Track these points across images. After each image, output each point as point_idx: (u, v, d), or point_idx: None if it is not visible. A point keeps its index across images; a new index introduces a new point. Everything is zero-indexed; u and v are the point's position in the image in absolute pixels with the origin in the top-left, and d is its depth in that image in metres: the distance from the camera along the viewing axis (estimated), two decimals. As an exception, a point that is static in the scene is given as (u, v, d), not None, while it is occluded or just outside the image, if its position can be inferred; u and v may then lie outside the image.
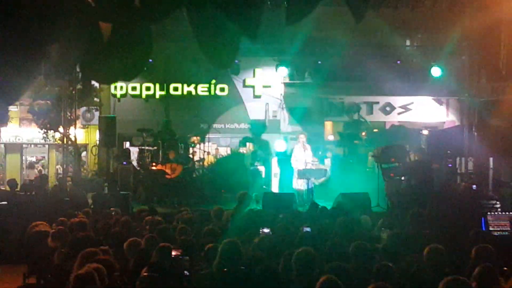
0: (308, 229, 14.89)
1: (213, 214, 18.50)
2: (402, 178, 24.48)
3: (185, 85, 33.15)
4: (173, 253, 12.34)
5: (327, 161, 28.37)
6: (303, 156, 27.14)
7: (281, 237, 14.80)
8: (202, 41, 3.07)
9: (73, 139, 31.50)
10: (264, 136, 31.10)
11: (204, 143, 30.85)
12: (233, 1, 3.08)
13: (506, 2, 23.51)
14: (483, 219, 18.91)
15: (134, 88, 33.15)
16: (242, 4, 3.13)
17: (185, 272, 11.22)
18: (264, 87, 33.73)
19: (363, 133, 29.33)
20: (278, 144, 28.97)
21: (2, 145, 34.87)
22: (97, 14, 3.18)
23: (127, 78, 3.72)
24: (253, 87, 33.89)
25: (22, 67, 3.35)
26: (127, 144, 30.72)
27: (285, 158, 28.23)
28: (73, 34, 3.28)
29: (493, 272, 9.48)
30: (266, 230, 15.01)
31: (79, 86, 30.14)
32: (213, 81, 32.90)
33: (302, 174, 26.93)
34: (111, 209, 20.39)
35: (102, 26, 3.28)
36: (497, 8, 24.06)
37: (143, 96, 33.31)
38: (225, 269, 11.30)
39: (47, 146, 35.12)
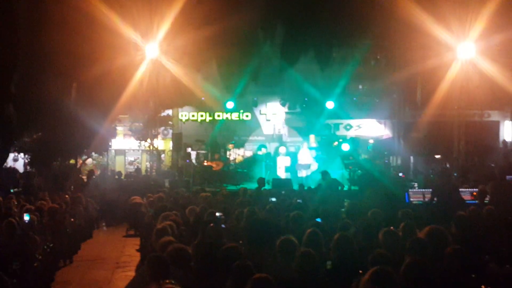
0: (299, 200, 14.94)
1: (241, 191, 18.56)
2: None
3: (224, 113, 33.28)
4: (217, 214, 12.42)
5: (312, 160, 28.39)
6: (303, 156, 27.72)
7: (282, 204, 14.88)
8: (226, 85, 3.17)
9: (156, 146, 31.67)
10: (273, 144, 31.51)
11: (236, 148, 31.16)
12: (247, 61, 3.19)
13: (421, 61, 23.58)
14: (406, 194, 18.95)
15: (193, 115, 33.30)
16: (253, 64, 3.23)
17: (222, 225, 11.25)
18: (273, 114, 33.97)
19: (335, 143, 29.34)
20: (281, 149, 29.15)
21: (113, 150, 34.91)
22: (162, 65, 3.28)
23: (182, 106, 3.83)
24: (265, 114, 34.12)
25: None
26: (189, 149, 30.79)
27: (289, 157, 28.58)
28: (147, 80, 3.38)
29: (412, 226, 9.44)
30: (273, 199, 15.11)
31: (159, 114, 30.56)
32: (241, 111, 33.08)
33: (300, 167, 27.31)
34: (179, 189, 20.47)
35: (165, 74, 3.39)
36: (415, 64, 24.12)
37: (199, 120, 33.41)
38: (245, 225, 11.40)
39: (140, 151, 35.15)
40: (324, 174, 21.21)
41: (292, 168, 28.04)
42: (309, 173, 27.45)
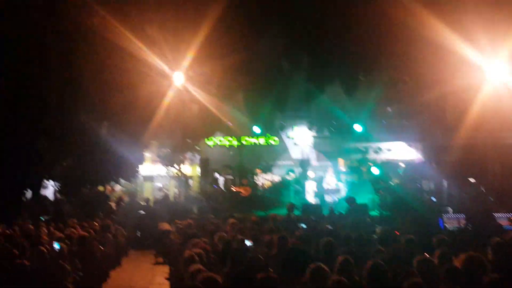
0: (329, 226, 14.84)
1: (270, 218, 18.47)
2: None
3: (251, 138, 33.34)
4: (246, 242, 12.34)
5: (341, 185, 28.27)
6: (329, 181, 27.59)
7: (313, 231, 14.78)
8: (252, 113, 3.13)
9: (184, 172, 31.76)
10: (301, 169, 31.37)
11: (264, 173, 31.16)
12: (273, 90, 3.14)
13: (450, 81, 23.38)
14: (440, 219, 18.73)
15: (220, 141, 33.38)
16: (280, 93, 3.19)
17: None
18: (300, 138, 33.95)
19: (364, 167, 29.22)
20: (310, 174, 29.06)
21: (141, 176, 35.03)
22: (189, 98, 3.25)
23: (208, 136, 3.81)
24: (293, 138, 34.08)
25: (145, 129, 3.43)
26: (216, 175, 30.82)
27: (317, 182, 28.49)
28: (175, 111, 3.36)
29: (448, 253, 9.29)
30: (303, 226, 14.98)
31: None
32: (268, 135, 33.14)
33: (328, 192, 27.22)
34: (208, 215, 20.44)
35: (193, 106, 3.37)
36: (444, 85, 23.93)
37: (226, 145, 33.49)
38: (276, 252, 11.32)
39: (168, 176, 35.24)
40: (350, 201, 21.11)
41: (321, 193, 27.94)
42: (336, 198, 27.33)
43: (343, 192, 27.34)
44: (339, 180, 28.52)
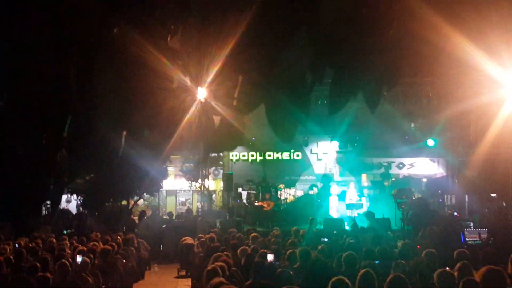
0: (352, 240, 14.83)
1: (293, 231, 18.50)
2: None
3: (275, 153, 33.49)
4: (268, 255, 12.39)
5: (364, 200, 28.23)
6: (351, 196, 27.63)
7: (335, 245, 14.80)
8: (275, 128, 3.23)
9: (207, 187, 31.94)
10: (324, 184, 31.33)
11: (287, 188, 31.26)
12: (296, 104, 3.24)
13: (473, 97, 23.25)
14: (462, 233, 18.61)
15: (244, 155, 33.56)
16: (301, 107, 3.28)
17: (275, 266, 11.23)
18: (324, 153, 34.00)
19: (385, 182, 29.21)
20: (333, 189, 29.09)
21: (164, 191, 35.24)
22: (209, 110, 3.36)
23: (230, 150, 3.92)
24: (316, 153, 34.17)
25: (165, 142, 3.54)
26: (240, 189, 30.92)
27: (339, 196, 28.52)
28: (196, 124, 3.46)
29: (468, 267, 9.30)
30: (325, 240, 14.98)
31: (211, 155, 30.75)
32: (292, 150, 33.29)
33: (351, 206, 27.18)
34: (231, 229, 20.48)
35: (214, 118, 3.46)
36: (467, 100, 23.82)
37: (249, 160, 33.63)
38: (299, 266, 11.35)
39: (191, 191, 35.42)
40: (369, 215, 21.15)
41: (343, 208, 27.96)
42: (359, 212, 27.30)
43: (366, 206, 27.29)
44: (362, 195, 28.49)
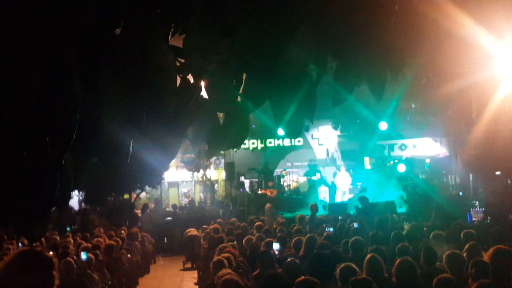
0: (356, 224, 14.83)
1: (297, 219, 18.52)
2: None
3: (276, 140, 33.44)
4: (274, 244, 12.40)
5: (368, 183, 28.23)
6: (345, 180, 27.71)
7: (340, 230, 14.83)
8: (281, 124, 3.20)
9: (209, 177, 31.95)
10: (326, 168, 31.30)
11: (290, 175, 31.30)
12: (298, 101, 3.20)
13: (473, 73, 23.18)
14: (468, 213, 18.64)
15: (244, 144, 33.40)
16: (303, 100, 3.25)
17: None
18: (325, 138, 33.98)
19: (389, 163, 29.15)
20: (335, 173, 29.15)
21: (166, 182, 35.28)
22: (214, 108, 3.31)
23: (235, 147, 3.89)
24: (318, 139, 34.17)
25: (173, 141, 3.49)
26: (242, 178, 30.93)
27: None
28: (200, 122, 3.42)
29: (477, 247, 9.31)
30: (331, 230, 14.93)
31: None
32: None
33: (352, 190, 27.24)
34: (233, 219, 20.50)
35: (219, 115, 3.42)
36: (467, 77, 23.74)
37: (251, 148, 33.57)
38: (305, 253, 11.37)
39: (193, 182, 35.47)
40: (362, 200, 21.21)
41: (347, 192, 27.99)
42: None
43: (370, 190, 27.29)
44: (365, 178, 28.48)
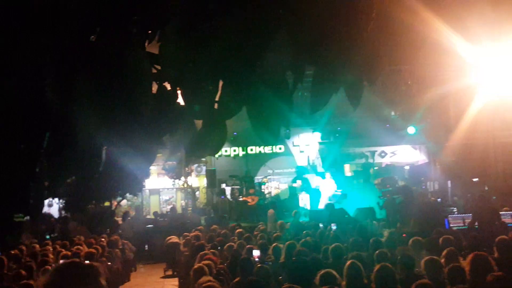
0: (334, 226, 14.87)
1: (279, 225, 18.53)
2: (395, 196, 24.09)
3: (257, 147, 33.44)
4: (254, 251, 12.40)
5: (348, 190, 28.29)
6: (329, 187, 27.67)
7: (321, 236, 14.86)
8: (258, 131, 3.19)
9: (190, 184, 31.87)
10: (307, 175, 31.33)
11: (270, 182, 31.32)
12: (275, 104, 3.19)
13: (451, 81, 23.37)
14: (446, 220, 18.71)
15: (226, 151, 33.42)
16: (283, 102, 3.24)
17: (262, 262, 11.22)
18: (306, 145, 34.01)
19: (371, 170, 29.24)
20: (316, 180, 29.17)
21: (147, 190, 35.15)
22: (190, 115, 3.30)
23: (213, 154, 3.89)
24: (298, 146, 34.19)
25: (151, 147, 3.48)
26: (223, 185, 30.89)
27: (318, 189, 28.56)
28: (178, 129, 3.41)
29: (455, 253, 9.36)
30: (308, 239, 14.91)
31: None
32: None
33: (332, 197, 27.21)
34: (214, 226, 20.49)
35: (196, 124, 3.41)
36: (446, 85, 23.91)
37: (232, 155, 33.55)
38: (285, 260, 11.36)
39: (175, 189, 35.37)
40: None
41: (327, 199, 28.00)
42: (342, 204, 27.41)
43: (350, 197, 27.34)
44: (345, 185, 28.53)
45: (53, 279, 3.45)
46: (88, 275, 3.56)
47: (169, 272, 21.05)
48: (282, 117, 3.29)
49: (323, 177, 29.36)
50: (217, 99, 3.27)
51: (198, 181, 35.07)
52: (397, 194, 24.24)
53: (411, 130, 29.68)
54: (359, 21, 3.10)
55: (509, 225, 16.69)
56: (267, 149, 33.69)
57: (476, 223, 16.46)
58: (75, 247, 16.47)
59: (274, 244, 12.79)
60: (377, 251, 10.48)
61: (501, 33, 21.06)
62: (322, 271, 8.11)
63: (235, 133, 30.37)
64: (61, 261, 13.21)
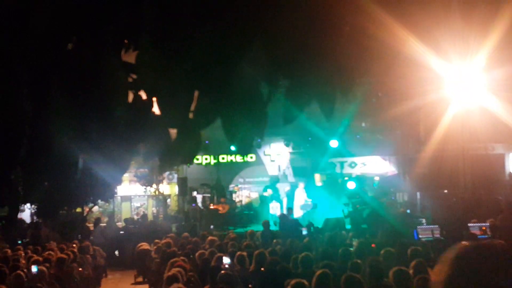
0: (304, 231, 14.87)
1: (248, 234, 18.52)
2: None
3: (228, 156, 33.38)
4: (224, 259, 12.38)
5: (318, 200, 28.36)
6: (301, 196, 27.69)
7: (291, 246, 14.85)
8: (232, 142, 3.19)
9: (162, 191, 31.75)
10: (278, 185, 31.39)
11: (242, 190, 31.31)
12: (252, 118, 3.20)
13: (422, 94, 23.55)
14: (415, 231, 18.78)
15: (197, 159, 33.23)
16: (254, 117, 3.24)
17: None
18: (277, 155, 34.02)
19: (339, 180, 29.34)
20: (287, 190, 29.25)
21: (119, 197, 34.91)
22: (165, 124, 3.28)
23: (187, 163, 3.89)
24: (270, 155, 34.19)
25: (125, 155, 3.46)
26: (195, 193, 30.82)
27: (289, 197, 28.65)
28: (152, 138, 3.39)
29: (423, 264, 9.40)
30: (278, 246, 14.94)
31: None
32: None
33: (303, 207, 27.25)
34: (185, 234, 20.43)
35: (170, 131, 3.40)
36: (416, 98, 24.09)
37: (203, 163, 33.42)
38: (255, 269, 11.35)
39: (146, 196, 35.17)
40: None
41: (297, 208, 28.05)
42: (312, 214, 27.43)
43: (320, 207, 27.41)
44: (315, 195, 28.60)
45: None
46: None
47: (140, 279, 20.90)
48: (256, 128, 3.28)
49: (295, 186, 29.45)
50: (192, 108, 3.26)
51: (169, 188, 34.94)
52: (365, 205, 24.35)
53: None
54: (333, 35, 3.12)
55: (479, 237, 16.78)
56: (238, 158, 33.66)
57: (444, 233, 16.57)
58: (47, 252, 16.31)
59: (238, 253, 12.75)
60: (349, 262, 10.52)
61: (470, 47, 21.32)
62: (293, 281, 8.11)
63: (207, 142, 30.30)
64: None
